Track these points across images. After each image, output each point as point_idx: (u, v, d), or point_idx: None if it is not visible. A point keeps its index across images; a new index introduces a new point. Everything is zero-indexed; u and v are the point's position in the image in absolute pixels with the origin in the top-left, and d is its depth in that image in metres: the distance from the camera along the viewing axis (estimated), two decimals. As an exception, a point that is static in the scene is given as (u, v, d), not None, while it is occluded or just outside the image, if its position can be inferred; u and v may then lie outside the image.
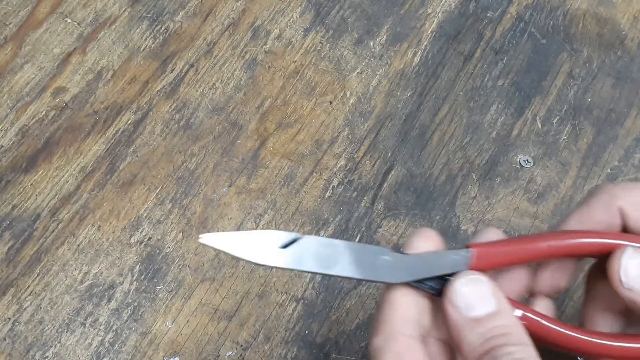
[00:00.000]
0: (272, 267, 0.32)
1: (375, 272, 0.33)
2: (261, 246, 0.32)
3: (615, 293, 0.35)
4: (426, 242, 0.35)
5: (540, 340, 0.34)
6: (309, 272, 0.32)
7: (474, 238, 0.37)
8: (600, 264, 0.38)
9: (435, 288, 0.33)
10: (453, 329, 0.32)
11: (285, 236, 0.32)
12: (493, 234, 0.36)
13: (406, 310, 0.33)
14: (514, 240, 0.36)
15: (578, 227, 0.37)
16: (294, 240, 0.32)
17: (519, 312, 0.34)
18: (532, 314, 0.34)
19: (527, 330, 0.33)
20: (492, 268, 0.35)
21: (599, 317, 0.38)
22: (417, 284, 0.33)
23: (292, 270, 0.32)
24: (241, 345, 0.47)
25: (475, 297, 0.32)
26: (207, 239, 0.31)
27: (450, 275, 0.33)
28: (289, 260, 0.32)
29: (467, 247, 0.34)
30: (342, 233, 0.51)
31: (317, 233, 0.50)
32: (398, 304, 0.33)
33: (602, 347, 0.35)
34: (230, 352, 0.46)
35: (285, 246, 0.32)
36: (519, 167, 0.53)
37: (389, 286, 0.34)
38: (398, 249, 0.34)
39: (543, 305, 0.37)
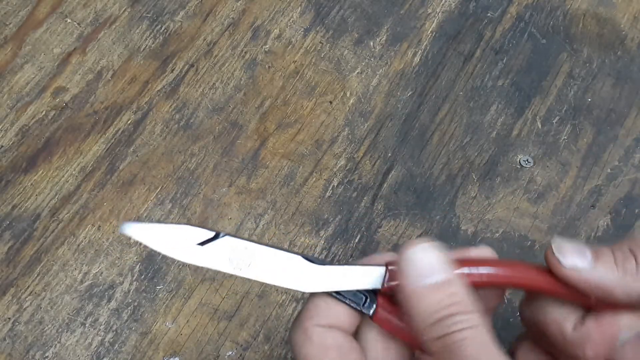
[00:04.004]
0: (187, 264, 0.33)
1: (287, 279, 0.33)
2: (180, 242, 0.33)
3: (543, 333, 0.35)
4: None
5: None
6: (221, 271, 0.33)
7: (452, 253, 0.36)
8: (529, 300, 0.37)
9: (354, 301, 0.33)
10: (404, 298, 0.32)
11: (203, 234, 0.33)
12: (483, 252, 0.36)
13: (325, 309, 0.33)
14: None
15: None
16: (213, 238, 0.33)
17: None
18: None
19: None
20: None
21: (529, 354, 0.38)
22: (338, 296, 0.33)
23: (206, 268, 0.33)
24: (241, 345, 0.47)
25: (426, 265, 0.32)
26: (129, 229, 0.32)
27: (365, 291, 0.33)
28: (204, 258, 0.33)
29: (386, 265, 0.34)
30: (342, 233, 0.51)
31: (317, 233, 0.50)
32: (318, 306, 0.33)
33: None
34: (230, 352, 0.46)
35: (203, 243, 0.33)
36: (519, 167, 0.53)
37: (312, 294, 0.34)
38: (311, 257, 0.34)
39: None
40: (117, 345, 0.46)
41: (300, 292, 0.33)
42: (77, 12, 0.58)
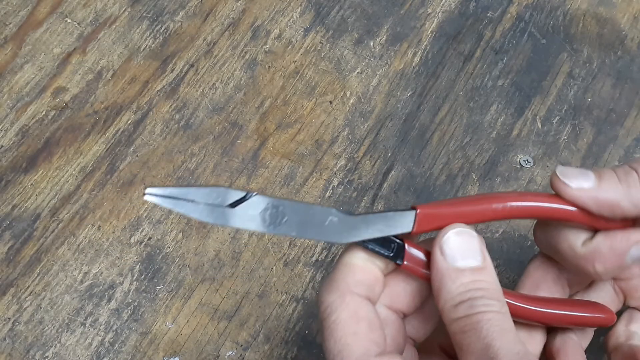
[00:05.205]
0: (219, 225, 0.32)
1: (321, 232, 0.33)
2: (210, 204, 0.32)
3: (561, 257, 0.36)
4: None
5: None
6: (255, 231, 0.33)
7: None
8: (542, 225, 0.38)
9: (386, 251, 0.34)
10: (436, 275, 0.33)
11: (233, 194, 0.32)
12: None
13: (361, 274, 0.33)
14: (462, 201, 0.35)
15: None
16: (243, 198, 0.32)
17: None
18: None
19: None
20: (438, 229, 0.34)
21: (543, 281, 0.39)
22: (369, 246, 0.33)
23: (238, 229, 0.32)
24: (241, 345, 0.47)
25: (464, 249, 0.33)
26: (153, 197, 0.31)
27: (396, 236, 0.34)
28: (236, 219, 0.32)
29: (413, 208, 0.34)
30: (342, 233, 0.51)
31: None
32: (354, 267, 0.33)
33: (534, 313, 0.35)
34: (230, 352, 0.46)
35: (234, 205, 0.32)
36: (519, 167, 0.54)
37: (346, 249, 0.34)
38: (343, 210, 0.34)
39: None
40: (117, 345, 0.46)
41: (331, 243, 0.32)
42: (77, 12, 0.58)
